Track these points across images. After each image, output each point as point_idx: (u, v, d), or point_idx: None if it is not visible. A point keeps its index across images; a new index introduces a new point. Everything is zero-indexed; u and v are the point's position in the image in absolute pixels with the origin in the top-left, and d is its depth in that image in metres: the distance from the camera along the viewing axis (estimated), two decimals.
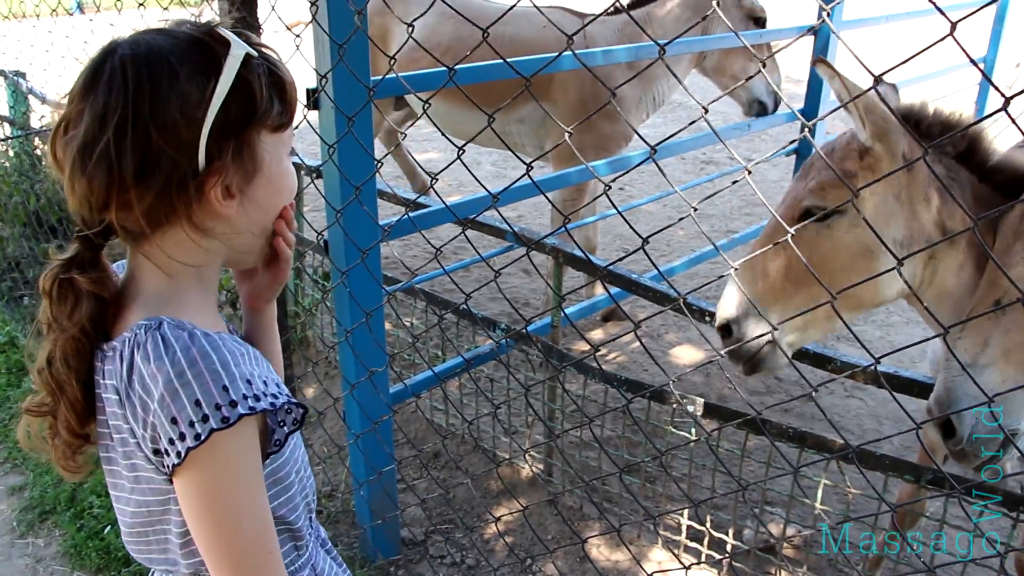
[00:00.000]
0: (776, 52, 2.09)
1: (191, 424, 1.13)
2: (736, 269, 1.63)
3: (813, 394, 1.66)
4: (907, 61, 1.35)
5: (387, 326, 4.27)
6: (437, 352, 4.30)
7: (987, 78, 1.28)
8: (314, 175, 3.81)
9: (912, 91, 4.45)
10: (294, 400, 1.26)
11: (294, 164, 4.05)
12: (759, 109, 4.76)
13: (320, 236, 2.70)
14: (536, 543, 3.29)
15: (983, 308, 1.84)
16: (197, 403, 1.13)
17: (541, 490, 3.61)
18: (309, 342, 4.63)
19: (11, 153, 5.78)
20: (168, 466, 1.16)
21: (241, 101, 1.20)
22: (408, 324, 4.50)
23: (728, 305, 2.36)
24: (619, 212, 1.78)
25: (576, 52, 1.80)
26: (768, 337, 2.25)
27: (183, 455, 1.14)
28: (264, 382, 1.21)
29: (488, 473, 3.70)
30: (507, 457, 3.77)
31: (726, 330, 2.39)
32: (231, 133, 1.20)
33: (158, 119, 1.14)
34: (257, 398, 1.18)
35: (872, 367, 1.51)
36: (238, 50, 1.21)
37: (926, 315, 2.37)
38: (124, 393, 1.18)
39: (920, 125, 2.18)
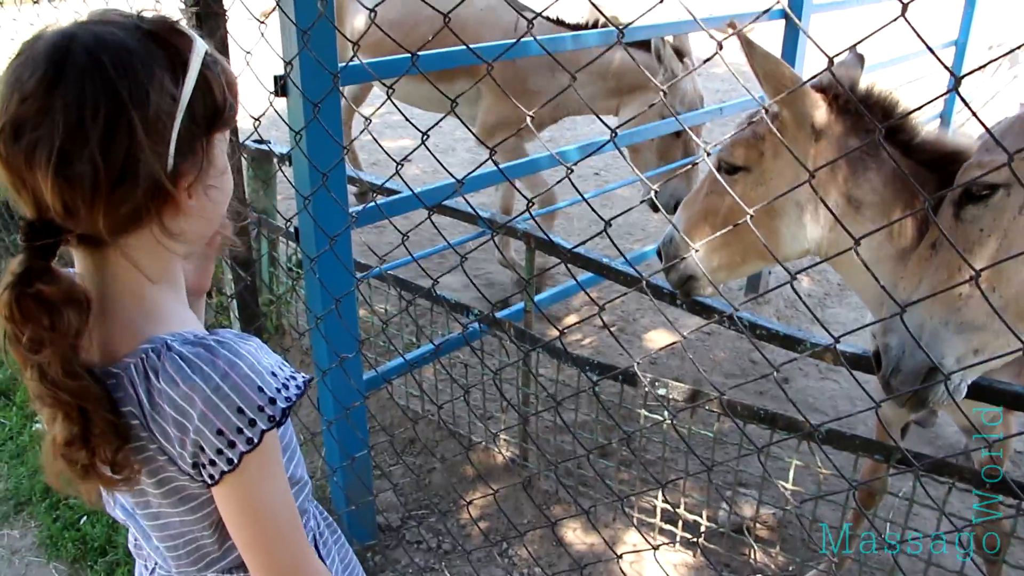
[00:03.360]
0: (740, 30, 2.11)
1: (239, 431, 1.16)
2: (696, 250, 1.65)
3: (775, 375, 1.69)
4: (859, 43, 1.36)
5: (362, 313, 4.27)
6: (412, 339, 4.30)
7: (938, 59, 1.29)
8: (283, 162, 3.80)
9: (884, 75, 4.48)
10: (306, 376, 1.28)
11: (265, 151, 4.05)
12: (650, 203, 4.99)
13: (289, 223, 2.69)
14: (512, 527, 3.30)
15: (923, 250, 1.99)
16: (240, 411, 1.15)
17: (516, 475, 3.62)
18: (284, 330, 4.62)
19: None
20: (215, 475, 1.18)
21: (204, 99, 1.17)
22: (383, 311, 4.49)
23: (664, 235, 2.69)
24: (583, 197, 1.78)
25: (538, 39, 1.80)
26: (685, 256, 2.53)
27: (237, 461, 1.17)
28: (280, 367, 1.23)
29: (463, 459, 3.71)
30: (481, 442, 3.79)
31: (660, 255, 2.72)
32: (199, 132, 1.18)
33: (141, 115, 1.09)
34: (287, 387, 1.21)
35: (833, 347, 1.52)
36: (200, 46, 1.18)
37: (856, 283, 2.54)
38: (147, 417, 1.17)
39: (838, 99, 2.29)
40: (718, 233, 2.10)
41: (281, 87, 2.55)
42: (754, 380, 2.08)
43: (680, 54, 4.64)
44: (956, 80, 1.23)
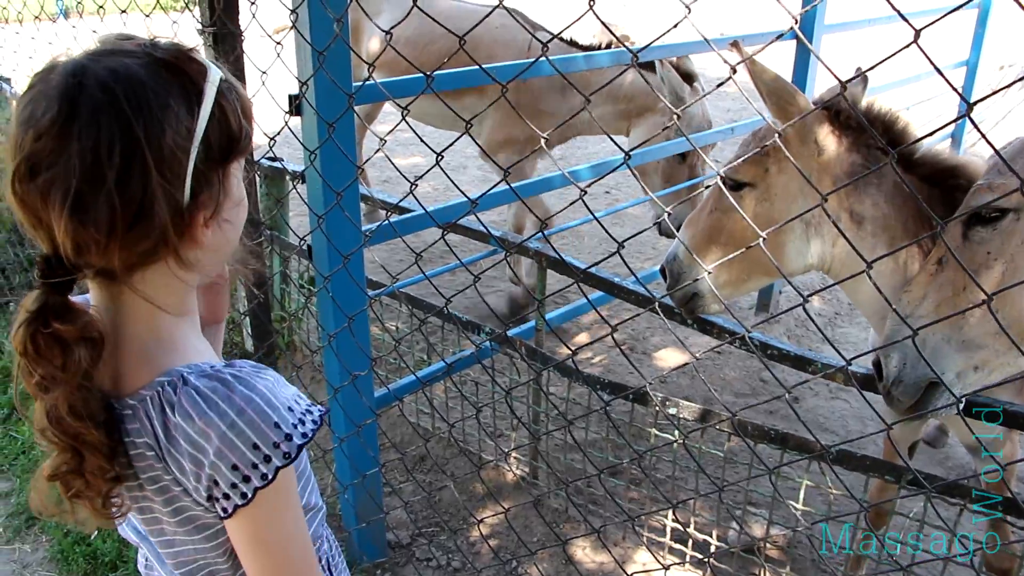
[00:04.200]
0: (754, 54, 2.16)
1: (254, 467, 1.15)
2: (709, 271, 1.66)
3: (787, 396, 1.69)
4: (872, 69, 1.37)
5: (373, 331, 4.28)
6: (423, 356, 4.31)
7: (950, 84, 1.30)
8: (297, 180, 3.82)
9: (893, 95, 4.49)
10: (322, 409, 1.28)
11: (278, 169, 4.08)
12: (664, 228, 5.00)
13: (303, 241, 2.71)
14: (522, 546, 3.30)
15: (929, 266, 2.01)
16: (255, 447, 1.14)
17: (526, 493, 3.62)
18: (296, 347, 4.63)
19: None
20: (228, 508, 1.17)
21: (219, 129, 1.16)
22: (394, 328, 4.51)
23: (668, 253, 2.71)
24: (595, 217, 1.79)
25: (550, 60, 1.82)
26: (698, 279, 2.56)
27: (251, 496, 1.16)
28: (296, 401, 1.22)
29: (473, 476, 3.71)
30: (491, 460, 3.79)
31: (663, 274, 2.75)
32: (215, 163, 1.16)
33: (156, 152, 1.07)
34: (303, 422, 1.20)
35: (845, 368, 1.53)
36: (215, 75, 1.16)
37: (858, 297, 2.55)
38: (163, 450, 1.16)
39: (840, 115, 2.33)
40: (732, 255, 2.10)
41: (296, 106, 2.57)
42: (766, 401, 2.09)
43: (689, 79, 4.66)
44: (968, 106, 1.24)
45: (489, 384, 3.91)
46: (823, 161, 2.35)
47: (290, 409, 1.19)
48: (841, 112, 2.33)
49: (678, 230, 4.75)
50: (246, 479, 1.15)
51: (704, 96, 1.66)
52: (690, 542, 3.12)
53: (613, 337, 1.76)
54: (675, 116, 1.58)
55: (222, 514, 1.19)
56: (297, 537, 1.25)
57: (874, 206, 2.31)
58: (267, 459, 1.15)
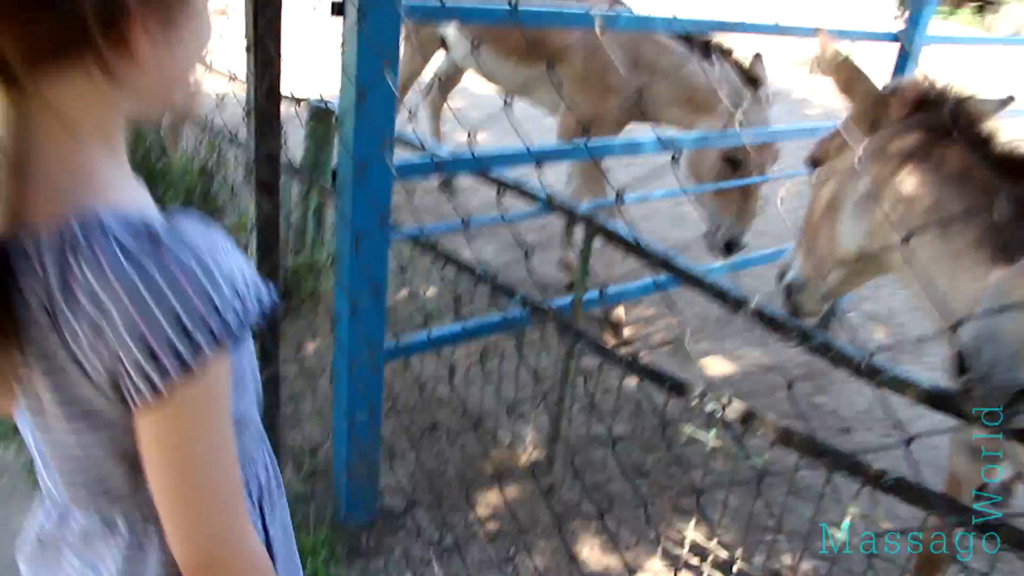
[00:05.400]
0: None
1: (170, 345, 0.87)
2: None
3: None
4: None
5: (399, 297, 4.05)
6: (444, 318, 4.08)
7: None
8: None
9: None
10: (274, 293, 0.99)
11: (324, 109, 3.86)
12: (710, 241, 4.54)
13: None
14: (522, 533, 3.01)
15: None
16: (176, 318, 0.87)
17: (538, 480, 3.33)
18: (319, 298, 4.40)
19: None
20: (135, 399, 0.90)
21: None
22: (420, 293, 4.26)
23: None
24: (684, 190, 1.49)
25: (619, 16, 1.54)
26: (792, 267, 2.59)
27: (160, 387, 0.88)
28: (242, 272, 0.94)
29: (483, 452, 3.43)
30: (507, 438, 3.50)
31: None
32: None
33: None
34: (244, 306, 0.93)
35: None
36: None
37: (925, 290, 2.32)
38: (58, 312, 0.88)
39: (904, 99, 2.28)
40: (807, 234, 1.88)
41: (338, 5, 2.32)
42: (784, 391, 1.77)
43: (755, 83, 4.25)
44: None
45: (514, 357, 3.62)
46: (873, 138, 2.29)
47: (231, 281, 0.91)
48: (906, 97, 2.26)
49: (722, 248, 4.43)
50: (154, 356, 0.86)
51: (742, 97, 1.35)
52: (710, 558, 2.80)
53: (674, 311, 1.45)
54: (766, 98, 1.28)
55: (130, 404, 0.91)
56: (220, 454, 0.96)
57: (927, 187, 2.15)
58: (187, 334, 0.87)
